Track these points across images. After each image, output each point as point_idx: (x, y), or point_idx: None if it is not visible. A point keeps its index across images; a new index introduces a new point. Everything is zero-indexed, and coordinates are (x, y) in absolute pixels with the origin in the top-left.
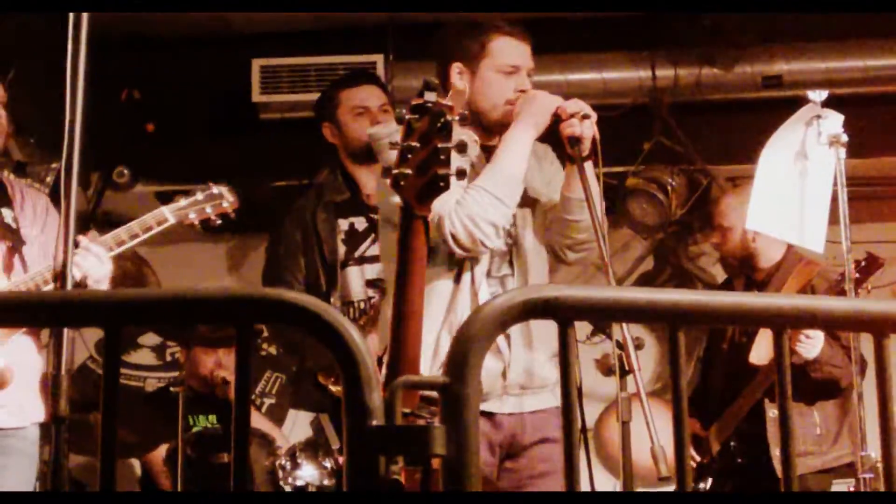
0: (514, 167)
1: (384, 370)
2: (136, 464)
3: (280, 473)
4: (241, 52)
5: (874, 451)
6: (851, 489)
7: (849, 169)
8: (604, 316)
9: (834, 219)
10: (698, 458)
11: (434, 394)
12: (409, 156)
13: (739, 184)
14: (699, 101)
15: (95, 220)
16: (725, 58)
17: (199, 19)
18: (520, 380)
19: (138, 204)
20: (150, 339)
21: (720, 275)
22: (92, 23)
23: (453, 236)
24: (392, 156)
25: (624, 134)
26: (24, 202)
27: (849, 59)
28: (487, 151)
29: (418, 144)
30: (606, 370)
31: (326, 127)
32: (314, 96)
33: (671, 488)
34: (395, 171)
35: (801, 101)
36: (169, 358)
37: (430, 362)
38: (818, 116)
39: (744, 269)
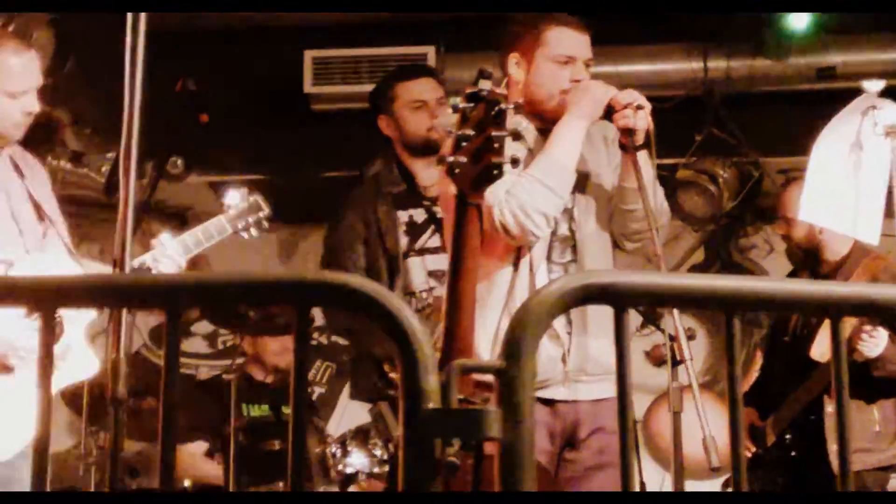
0: (565, 157)
1: (438, 356)
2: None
3: (331, 461)
4: (293, 44)
5: None
6: None
7: None
8: (660, 302)
9: (890, 212)
10: (753, 449)
11: (490, 378)
12: (464, 144)
13: (797, 176)
14: (752, 92)
15: (149, 209)
16: (779, 49)
17: (253, 10)
18: (579, 365)
19: (192, 194)
20: (203, 327)
21: (771, 268)
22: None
23: (503, 225)
24: (447, 143)
25: (676, 125)
26: (36, 178)
27: None
28: (546, 136)
29: (473, 132)
30: (658, 360)
31: (382, 119)
32: (366, 88)
33: (722, 479)
34: (449, 159)
35: (855, 93)
36: (221, 346)
37: (491, 348)
38: (874, 107)
39: (809, 262)
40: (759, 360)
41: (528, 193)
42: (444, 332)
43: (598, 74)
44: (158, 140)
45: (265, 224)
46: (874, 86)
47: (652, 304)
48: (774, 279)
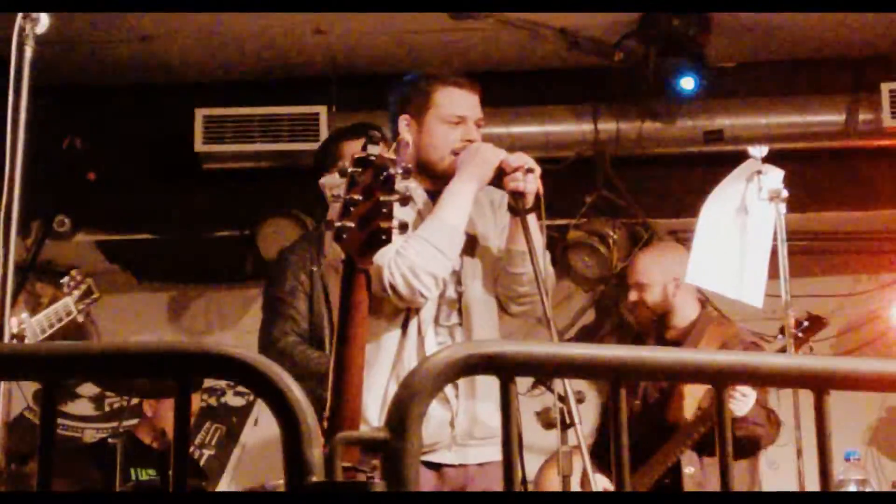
0: (455, 218)
1: (324, 423)
2: None
3: None
4: (184, 102)
5: None
6: None
7: (789, 223)
8: (545, 372)
9: (773, 273)
10: None
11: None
12: (352, 209)
13: (685, 238)
14: (641, 154)
15: (35, 269)
16: (667, 112)
17: (141, 67)
18: (467, 429)
19: (80, 253)
20: (89, 389)
21: None
22: (33, 70)
23: (392, 286)
24: (335, 208)
25: (566, 186)
26: None
27: (789, 115)
28: (436, 198)
29: (361, 197)
30: (547, 423)
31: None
32: (257, 147)
33: None
34: (337, 224)
35: (742, 156)
36: (108, 409)
37: (379, 411)
38: (759, 172)
39: (657, 328)
40: None
41: (417, 254)
42: (331, 398)
43: (488, 136)
44: (45, 198)
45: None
46: (759, 151)
47: (538, 374)
48: (658, 348)
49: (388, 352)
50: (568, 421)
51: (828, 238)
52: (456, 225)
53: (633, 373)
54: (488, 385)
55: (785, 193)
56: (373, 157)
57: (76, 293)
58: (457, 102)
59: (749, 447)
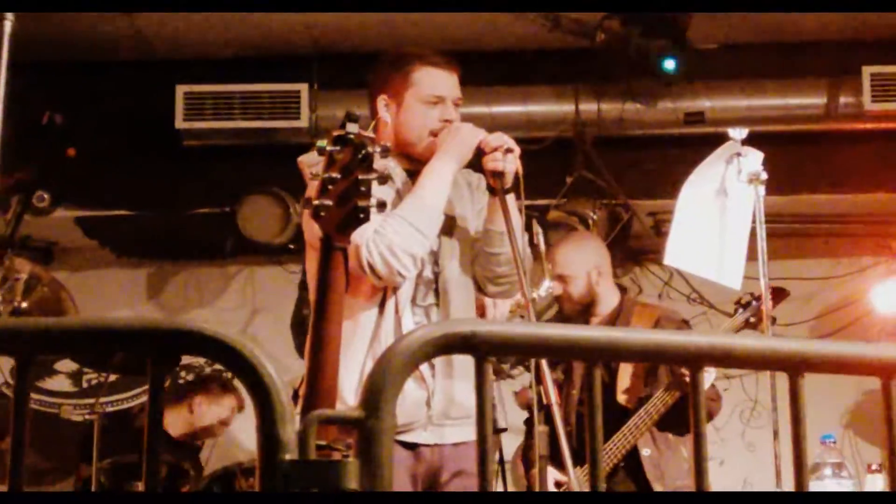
0: (434, 198)
1: (301, 401)
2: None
3: None
4: (164, 78)
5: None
6: None
7: (768, 206)
8: (521, 351)
9: (752, 255)
10: None
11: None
12: (330, 187)
13: (664, 219)
14: (622, 135)
15: (14, 244)
16: (648, 93)
17: (122, 43)
18: (444, 410)
19: (59, 229)
20: (67, 365)
21: None
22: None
23: (370, 265)
24: (313, 186)
25: (547, 167)
26: None
27: (770, 97)
28: (415, 178)
29: (339, 175)
30: (525, 403)
31: None
32: (238, 124)
33: None
34: (315, 202)
35: (722, 138)
36: (85, 384)
37: (356, 390)
38: (738, 154)
39: (582, 316)
40: None
41: (396, 233)
42: (307, 375)
43: (469, 115)
44: (24, 173)
45: None
46: (739, 134)
47: (512, 353)
48: (633, 330)
49: (365, 331)
50: (545, 401)
51: (807, 221)
52: (435, 204)
53: (609, 354)
54: (465, 365)
55: (764, 176)
56: (351, 136)
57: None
58: (435, 82)
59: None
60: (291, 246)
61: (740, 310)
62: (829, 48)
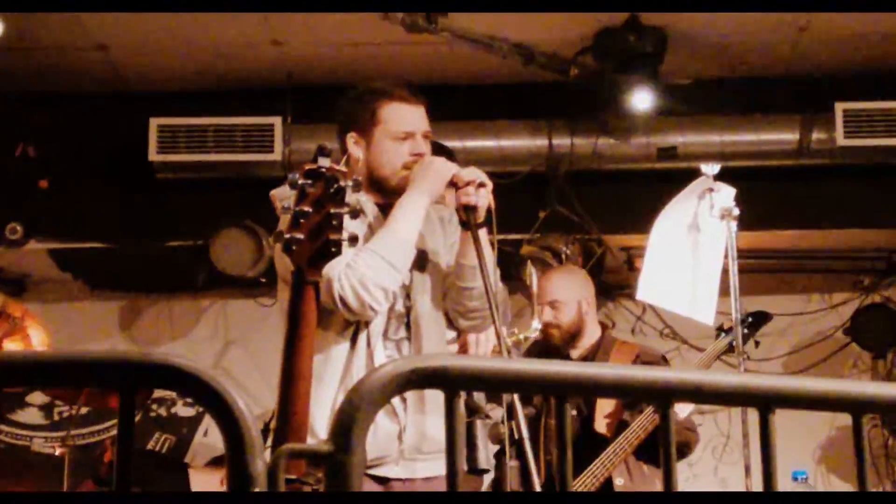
0: (406, 232)
1: (272, 435)
2: None
3: None
4: (138, 111)
5: None
6: None
7: (740, 241)
8: (491, 386)
9: (725, 291)
10: None
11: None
12: (302, 220)
13: (636, 254)
14: (595, 170)
15: None
16: (622, 128)
17: (96, 76)
18: (415, 444)
19: (31, 261)
20: (38, 397)
21: None
22: None
23: (342, 299)
24: (285, 220)
25: (520, 201)
26: None
27: (743, 133)
28: (386, 212)
29: (311, 209)
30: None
31: None
32: (212, 157)
33: None
34: (286, 236)
35: (695, 173)
36: (56, 417)
37: (327, 425)
38: (710, 189)
39: (566, 347)
40: None
41: (368, 267)
42: (278, 409)
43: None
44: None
45: None
46: (711, 169)
47: (484, 388)
48: (605, 365)
49: (336, 365)
50: (516, 436)
51: (779, 257)
52: (407, 239)
53: (579, 389)
54: (437, 400)
55: (736, 211)
56: (323, 169)
57: None
58: (403, 118)
59: (681, 452)
60: (263, 280)
61: (722, 334)
62: (802, 84)
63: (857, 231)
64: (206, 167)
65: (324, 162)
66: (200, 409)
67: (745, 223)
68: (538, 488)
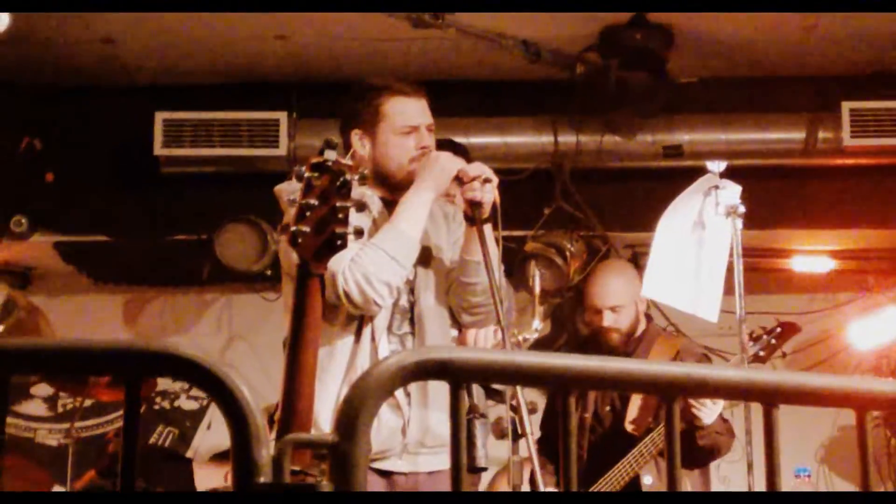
0: (411, 228)
1: (276, 427)
2: None
3: None
4: (144, 105)
5: None
6: None
7: (746, 240)
8: (495, 378)
9: (729, 289)
10: None
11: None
12: (308, 213)
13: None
14: (600, 168)
15: None
16: (627, 126)
17: (102, 69)
18: (419, 438)
19: (36, 254)
20: (42, 389)
21: None
22: None
23: (346, 294)
24: (291, 213)
25: (525, 198)
26: None
27: (749, 132)
28: (391, 207)
29: (317, 202)
30: (500, 433)
31: None
32: (217, 152)
33: None
34: (292, 229)
35: (700, 172)
36: (61, 409)
37: (332, 419)
38: (716, 187)
39: (624, 348)
40: None
41: (372, 263)
42: (283, 402)
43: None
44: (2, 198)
45: None
46: (717, 166)
47: (487, 380)
48: (608, 359)
49: (341, 358)
50: (520, 431)
51: (784, 255)
52: (412, 234)
53: (583, 382)
54: (441, 394)
55: (742, 209)
56: (329, 163)
57: None
58: (407, 112)
59: (709, 456)
60: (268, 272)
61: (751, 343)
62: (809, 83)
63: (863, 231)
64: (211, 162)
65: (330, 155)
66: (204, 403)
67: (751, 222)
68: (540, 483)
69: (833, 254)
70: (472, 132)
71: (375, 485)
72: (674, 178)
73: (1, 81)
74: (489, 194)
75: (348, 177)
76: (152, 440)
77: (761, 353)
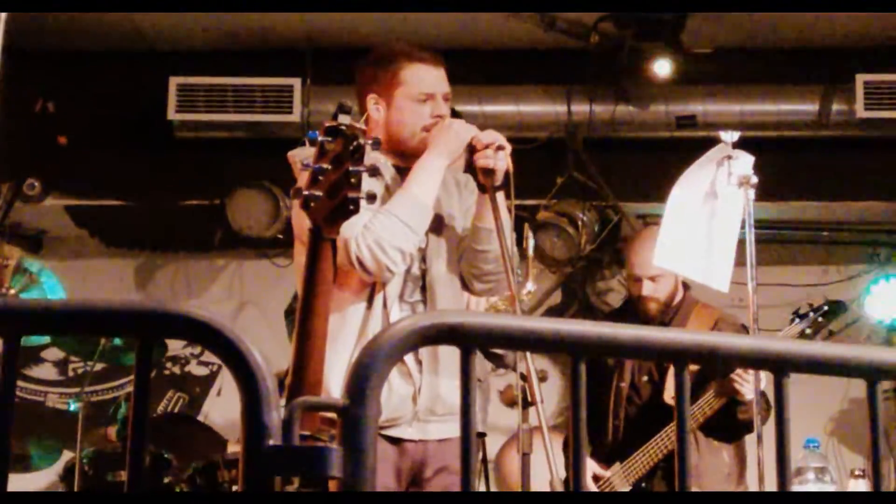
0: (424, 194)
1: (286, 391)
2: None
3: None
4: (158, 69)
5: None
6: None
7: (758, 211)
8: (507, 344)
9: (741, 260)
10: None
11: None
12: (321, 178)
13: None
14: (613, 137)
15: (4, 232)
16: (641, 96)
17: (116, 34)
18: (429, 405)
19: (49, 217)
20: (53, 353)
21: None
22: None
23: (359, 260)
24: (304, 177)
25: (537, 167)
26: None
27: (763, 103)
28: (404, 174)
29: (330, 167)
30: (510, 401)
31: None
32: (230, 117)
33: None
34: (305, 193)
35: (714, 142)
36: (71, 373)
37: (342, 385)
38: (729, 157)
39: (662, 317)
40: None
41: (385, 229)
42: (293, 367)
43: (462, 114)
44: (16, 161)
45: None
46: (730, 136)
47: (499, 346)
48: (622, 326)
49: (352, 325)
50: (530, 399)
51: (797, 227)
52: (425, 201)
53: (595, 348)
54: (452, 362)
55: (755, 180)
56: (343, 127)
57: None
58: (424, 79)
59: (748, 429)
60: (280, 236)
61: (797, 319)
62: (823, 55)
63: (875, 203)
64: (224, 127)
65: (344, 119)
66: (214, 369)
67: (763, 193)
68: (550, 451)
69: (846, 225)
70: (485, 100)
71: (386, 452)
72: (687, 149)
73: (15, 44)
74: (502, 162)
75: (361, 141)
76: (162, 406)
77: (808, 332)
